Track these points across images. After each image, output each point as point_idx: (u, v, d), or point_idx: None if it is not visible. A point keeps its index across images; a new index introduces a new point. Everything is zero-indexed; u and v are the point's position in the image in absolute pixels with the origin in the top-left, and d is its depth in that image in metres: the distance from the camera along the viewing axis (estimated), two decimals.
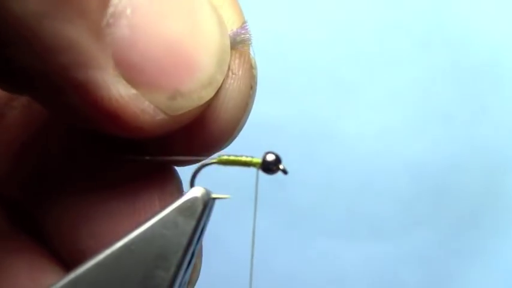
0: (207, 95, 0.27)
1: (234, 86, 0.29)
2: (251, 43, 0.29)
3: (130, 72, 0.25)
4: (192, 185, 0.29)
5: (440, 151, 0.78)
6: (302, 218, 0.77)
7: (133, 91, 0.25)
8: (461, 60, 0.79)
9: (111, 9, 0.24)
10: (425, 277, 0.77)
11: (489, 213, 0.78)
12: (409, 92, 0.79)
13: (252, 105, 0.31)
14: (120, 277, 0.25)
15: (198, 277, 0.32)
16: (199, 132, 0.28)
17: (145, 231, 0.26)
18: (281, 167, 0.28)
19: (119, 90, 0.24)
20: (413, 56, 0.79)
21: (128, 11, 0.24)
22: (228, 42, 0.28)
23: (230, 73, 0.28)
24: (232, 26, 0.29)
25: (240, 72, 0.29)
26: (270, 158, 0.28)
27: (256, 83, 0.30)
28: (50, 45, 0.23)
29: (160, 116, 0.26)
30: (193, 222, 0.26)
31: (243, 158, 0.28)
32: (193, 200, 0.27)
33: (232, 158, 0.28)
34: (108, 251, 0.26)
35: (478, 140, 0.78)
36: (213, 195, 0.27)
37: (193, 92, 0.26)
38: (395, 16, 0.80)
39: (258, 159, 0.28)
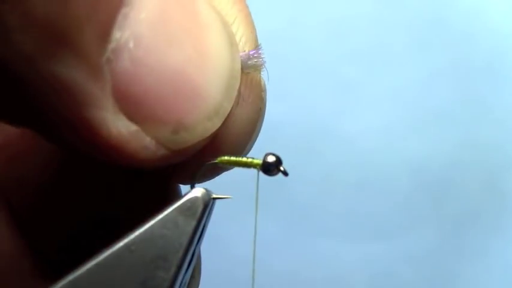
0: (213, 126, 0.25)
1: (243, 113, 0.27)
2: (264, 68, 0.27)
3: (130, 107, 0.23)
4: (192, 185, 0.29)
5: (441, 150, 0.78)
6: (302, 218, 0.77)
7: (133, 127, 0.23)
8: (461, 59, 0.79)
9: (112, 45, 0.22)
10: (425, 277, 0.77)
11: (490, 212, 0.78)
12: (409, 91, 0.79)
13: (261, 126, 0.29)
14: (120, 277, 0.25)
15: None
16: (204, 157, 0.27)
17: (146, 231, 0.26)
18: (281, 168, 0.28)
19: (118, 128, 0.23)
20: (413, 55, 0.79)
21: (131, 44, 0.23)
22: (238, 67, 0.26)
23: (240, 99, 0.27)
24: (244, 45, 0.27)
25: (250, 99, 0.27)
26: (271, 159, 0.28)
27: (265, 105, 0.29)
28: (44, 87, 0.22)
29: (162, 151, 0.24)
30: (193, 223, 0.26)
31: (244, 159, 0.28)
32: (193, 200, 0.27)
33: (232, 159, 0.28)
34: (108, 251, 0.26)
35: (479, 139, 0.78)
36: (214, 196, 0.27)
37: (198, 124, 0.24)
38: (395, 15, 0.80)
39: (259, 161, 0.28)
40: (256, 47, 0.27)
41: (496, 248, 0.77)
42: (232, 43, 0.26)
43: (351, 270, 0.77)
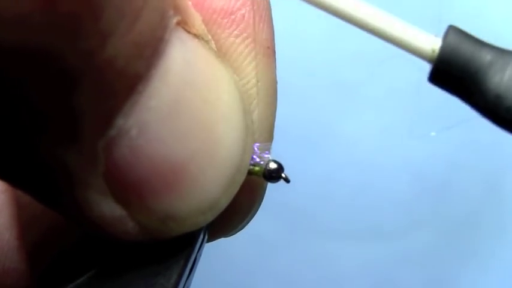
0: (205, 220, 0.23)
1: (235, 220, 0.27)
2: (265, 169, 0.26)
3: (121, 193, 0.21)
4: None
5: (441, 151, 0.78)
6: (302, 218, 0.77)
7: (118, 212, 0.22)
8: None
9: (112, 132, 0.20)
10: (425, 279, 0.77)
11: (490, 214, 0.78)
12: (409, 92, 0.78)
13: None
14: (120, 285, 0.25)
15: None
16: None
17: None
18: (283, 175, 0.27)
19: (101, 210, 0.21)
20: (413, 55, 0.79)
21: (133, 132, 0.20)
22: (247, 161, 0.24)
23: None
24: (256, 129, 0.25)
25: (245, 207, 0.27)
26: (272, 166, 0.27)
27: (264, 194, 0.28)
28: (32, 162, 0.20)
29: (144, 237, 0.23)
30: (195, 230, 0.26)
31: None
32: None
33: None
34: (107, 259, 0.26)
35: (479, 140, 0.78)
36: None
37: (189, 218, 0.23)
38: (395, 15, 0.79)
39: (260, 167, 0.27)
40: (267, 146, 0.26)
41: (496, 251, 0.77)
42: (248, 134, 0.23)
43: (351, 271, 0.77)
